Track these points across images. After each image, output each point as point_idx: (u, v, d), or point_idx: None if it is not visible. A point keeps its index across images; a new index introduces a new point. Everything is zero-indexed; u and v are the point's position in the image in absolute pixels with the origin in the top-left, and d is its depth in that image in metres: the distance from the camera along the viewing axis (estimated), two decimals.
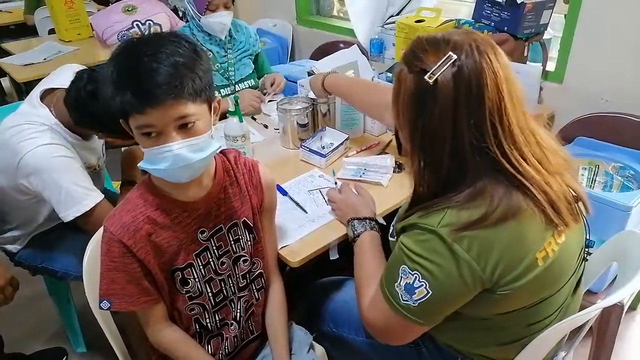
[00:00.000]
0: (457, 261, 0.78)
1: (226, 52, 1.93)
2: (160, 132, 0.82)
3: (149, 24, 2.56)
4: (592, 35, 1.76)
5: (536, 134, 0.84)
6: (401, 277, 0.84)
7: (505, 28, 1.73)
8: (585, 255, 0.96)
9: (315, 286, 1.28)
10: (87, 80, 1.20)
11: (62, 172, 1.22)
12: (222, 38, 1.89)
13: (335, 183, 1.37)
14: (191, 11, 1.84)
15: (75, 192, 1.23)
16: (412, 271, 0.82)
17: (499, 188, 0.80)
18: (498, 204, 0.78)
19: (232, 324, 1.06)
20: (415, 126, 0.83)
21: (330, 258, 1.20)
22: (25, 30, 3.51)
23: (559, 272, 0.87)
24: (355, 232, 1.11)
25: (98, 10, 3.18)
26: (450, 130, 0.79)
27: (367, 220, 1.13)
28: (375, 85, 1.60)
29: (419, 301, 0.83)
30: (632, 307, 1.82)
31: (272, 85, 1.95)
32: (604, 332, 1.42)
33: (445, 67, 0.77)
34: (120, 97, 0.80)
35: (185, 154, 0.83)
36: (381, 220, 1.18)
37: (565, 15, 1.82)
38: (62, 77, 1.39)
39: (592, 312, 0.90)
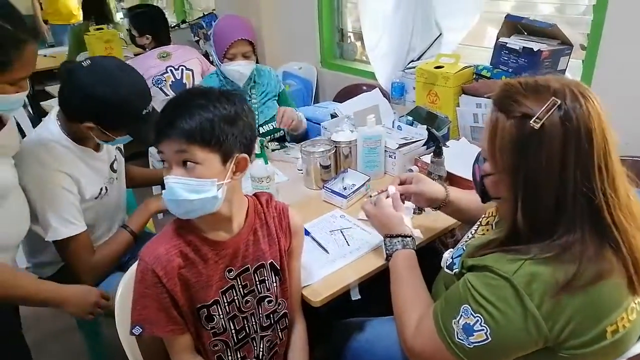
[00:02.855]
0: (525, 314, 0.77)
1: (250, 97, 2.01)
2: (168, 162, 0.91)
3: (182, 69, 2.70)
4: (611, 81, 1.78)
5: (627, 186, 0.82)
6: (461, 315, 0.83)
7: (523, 75, 1.78)
8: None
9: (337, 326, 1.29)
10: (68, 64, 1.29)
11: (51, 200, 1.30)
12: (240, 86, 1.96)
13: (370, 196, 1.35)
14: (214, 58, 1.94)
15: (53, 220, 1.31)
16: (475, 313, 0.81)
17: (590, 247, 0.78)
18: (586, 267, 0.76)
19: None
20: (517, 171, 0.81)
21: (352, 298, 1.22)
22: None
23: (626, 345, 0.84)
24: (387, 252, 1.13)
25: (135, 55, 3.38)
26: (557, 175, 0.77)
27: (400, 238, 1.13)
28: None
29: (475, 344, 0.81)
30: None
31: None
32: None
33: (552, 111, 0.76)
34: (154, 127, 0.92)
35: (176, 189, 0.89)
36: (417, 234, 1.17)
37: (582, 60, 1.86)
38: None
39: None
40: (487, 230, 1.04)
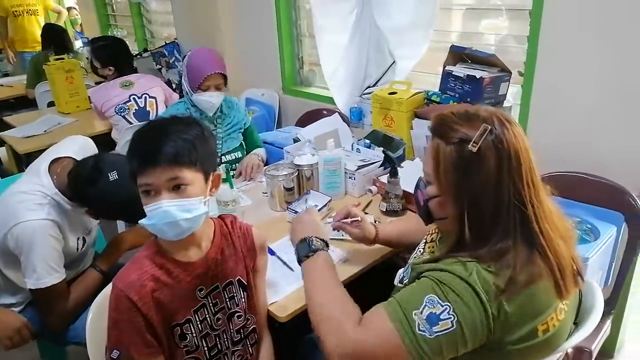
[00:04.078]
0: (483, 307, 0.84)
1: (216, 126, 2.09)
2: (156, 191, 0.95)
3: (145, 97, 2.73)
4: (547, 103, 1.96)
5: (548, 199, 0.93)
6: (426, 305, 0.86)
7: (468, 99, 1.93)
8: (574, 319, 1.01)
9: (304, 341, 1.34)
10: (91, 167, 1.34)
11: (38, 247, 1.33)
12: (209, 115, 2.05)
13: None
14: (186, 87, 2.02)
15: (39, 267, 1.33)
16: (444, 302, 0.85)
17: (521, 253, 0.87)
18: (520, 272, 0.85)
19: None
20: (460, 190, 0.90)
21: None
22: (25, 103, 3.72)
23: (556, 344, 0.93)
24: (313, 247, 1.08)
25: (95, 84, 3.39)
26: (494, 190, 0.87)
27: (321, 241, 1.10)
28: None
29: (437, 333, 0.84)
30: (609, 356, 1.90)
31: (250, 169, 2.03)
32: None
33: (485, 135, 0.87)
34: (131, 162, 0.96)
35: (172, 211, 0.95)
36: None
37: (521, 85, 2.03)
38: (68, 148, 1.55)
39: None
40: (432, 247, 1.13)
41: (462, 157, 0.88)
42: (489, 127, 0.88)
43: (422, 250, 1.17)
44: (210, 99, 1.98)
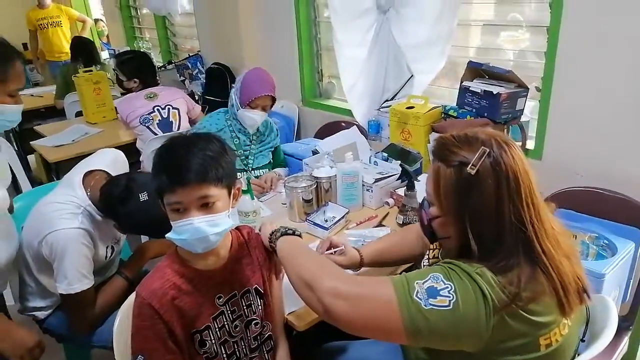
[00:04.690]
0: (485, 304, 0.85)
1: (251, 142, 2.18)
2: (186, 208, 1.00)
3: (168, 108, 2.82)
4: (564, 119, 1.97)
5: (550, 217, 0.95)
6: (430, 279, 0.88)
7: (485, 114, 1.95)
8: (582, 337, 1.03)
9: (321, 350, 1.37)
10: (123, 187, 1.41)
11: (71, 254, 1.39)
12: (249, 131, 2.14)
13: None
14: (234, 100, 2.09)
15: (70, 274, 1.40)
16: (447, 281, 0.87)
17: (525, 271, 0.88)
18: (524, 289, 0.86)
19: None
20: (461, 211, 0.91)
21: None
22: (54, 113, 3.86)
23: (560, 359, 0.93)
24: (288, 231, 1.15)
25: (121, 94, 3.50)
26: (495, 211, 0.89)
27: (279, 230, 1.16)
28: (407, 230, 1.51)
29: (432, 306, 0.85)
30: None
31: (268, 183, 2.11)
32: None
33: (483, 158, 0.89)
34: (158, 179, 1.00)
35: (203, 227, 1.00)
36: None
37: (539, 100, 2.05)
38: (101, 161, 1.63)
39: None
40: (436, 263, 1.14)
41: (461, 180, 0.90)
42: (487, 150, 0.90)
43: (424, 266, 1.19)
44: (255, 117, 2.07)
